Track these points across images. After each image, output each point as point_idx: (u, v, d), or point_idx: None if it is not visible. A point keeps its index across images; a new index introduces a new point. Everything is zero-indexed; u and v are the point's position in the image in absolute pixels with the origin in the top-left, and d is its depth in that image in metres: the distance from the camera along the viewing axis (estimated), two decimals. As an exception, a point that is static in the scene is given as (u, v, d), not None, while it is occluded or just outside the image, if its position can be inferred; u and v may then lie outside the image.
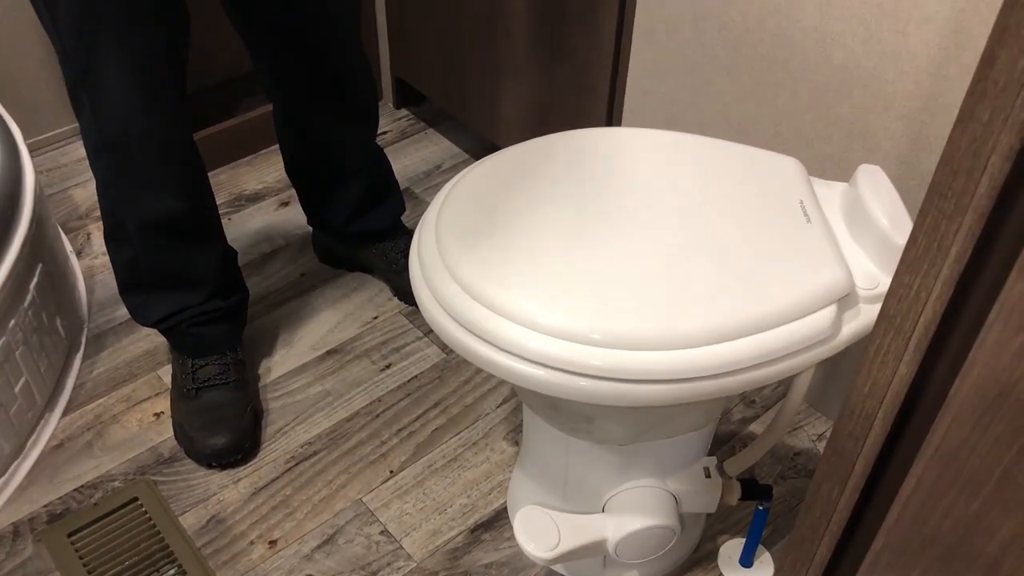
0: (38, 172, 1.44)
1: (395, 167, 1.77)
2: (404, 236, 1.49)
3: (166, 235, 1.19)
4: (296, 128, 1.36)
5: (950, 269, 0.53)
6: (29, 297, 1.25)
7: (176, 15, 1.08)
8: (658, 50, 1.26)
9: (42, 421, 1.29)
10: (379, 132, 1.86)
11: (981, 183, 0.50)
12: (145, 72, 1.06)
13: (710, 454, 1.09)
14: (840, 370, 1.29)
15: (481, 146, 1.81)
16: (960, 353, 0.54)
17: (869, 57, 1.03)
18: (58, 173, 1.72)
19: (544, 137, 1.01)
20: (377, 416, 1.33)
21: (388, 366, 1.41)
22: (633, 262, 0.86)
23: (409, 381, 1.38)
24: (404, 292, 1.48)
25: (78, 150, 1.76)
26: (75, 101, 1.08)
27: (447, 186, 0.96)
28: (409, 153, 1.82)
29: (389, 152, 1.81)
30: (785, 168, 0.97)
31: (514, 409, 1.35)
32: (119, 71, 1.04)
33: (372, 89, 1.33)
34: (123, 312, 1.43)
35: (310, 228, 1.57)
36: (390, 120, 1.90)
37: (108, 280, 1.51)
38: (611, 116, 1.38)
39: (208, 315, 1.27)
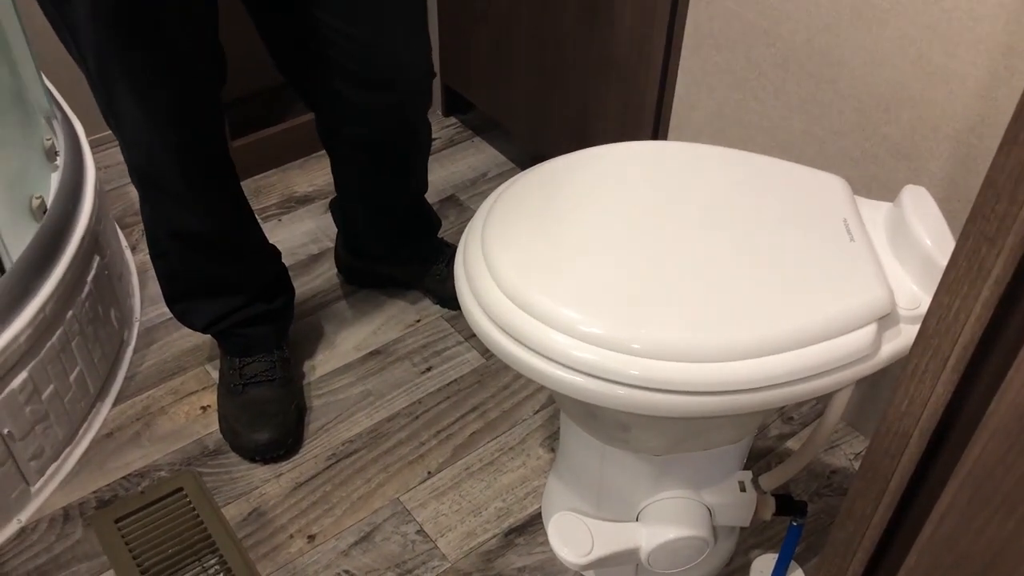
0: (99, 168, 1.49)
1: (442, 174, 1.81)
2: (445, 248, 1.51)
3: (200, 251, 1.22)
4: (344, 180, 1.39)
5: (990, 291, 0.54)
6: (86, 289, 1.29)
7: (201, 57, 1.06)
8: (706, 65, 1.27)
9: (94, 410, 1.34)
10: (427, 139, 1.90)
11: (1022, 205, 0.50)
12: (167, 115, 1.06)
13: (746, 468, 1.09)
14: (879, 390, 1.28)
15: (527, 155, 1.83)
16: (998, 375, 0.55)
17: (918, 78, 1.03)
18: (117, 170, 1.78)
19: (590, 149, 1.03)
20: (417, 417, 1.36)
21: (429, 369, 1.43)
22: (675, 274, 0.87)
23: (449, 384, 1.41)
24: (446, 299, 1.50)
25: (136, 148, 1.81)
26: (108, 125, 1.10)
27: (493, 194, 0.98)
28: (456, 160, 1.85)
29: (436, 159, 1.84)
30: (830, 186, 0.97)
31: (551, 416, 1.36)
32: (139, 109, 1.04)
33: (428, 146, 1.35)
34: (174, 307, 1.48)
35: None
36: (439, 128, 1.93)
37: (161, 275, 1.56)
38: (657, 129, 1.40)
39: (253, 318, 1.30)
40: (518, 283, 0.86)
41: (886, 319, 0.86)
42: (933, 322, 0.59)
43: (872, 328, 0.84)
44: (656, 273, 0.87)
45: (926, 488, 0.64)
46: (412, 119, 1.27)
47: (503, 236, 0.91)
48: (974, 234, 0.54)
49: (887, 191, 1.13)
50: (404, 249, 1.47)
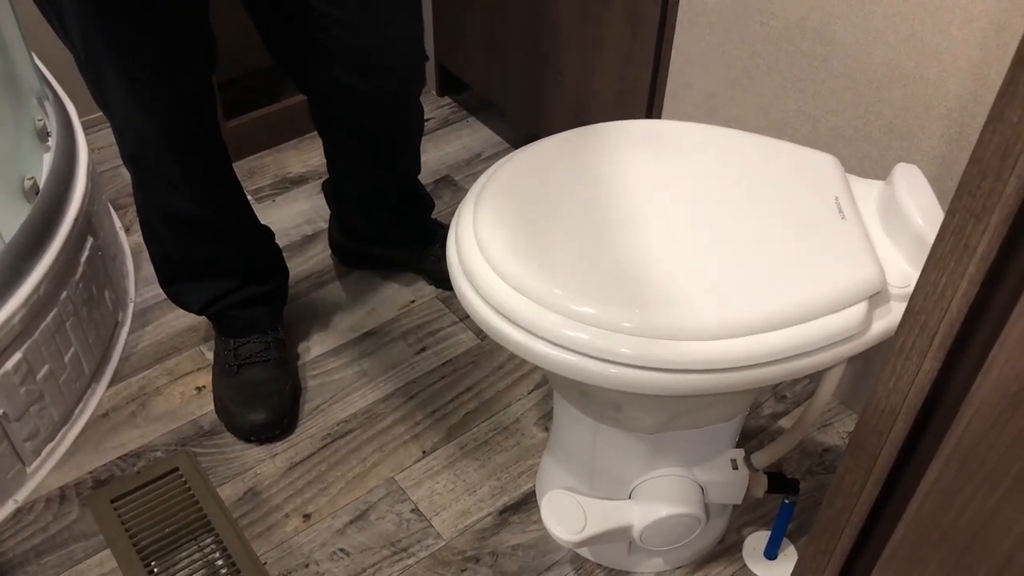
0: (91, 150, 1.48)
1: (436, 154, 1.80)
2: (439, 230, 1.51)
3: (193, 233, 1.22)
4: (337, 163, 1.39)
5: (976, 268, 0.54)
6: (80, 270, 1.29)
7: (190, 40, 1.05)
8: (699, 44, 1.26)
9: (89, 391, 1.34)
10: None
11: (1009, 183, 0.50)
12: (157, 99, 1.05)
13: (738, 446, 1.10)
14: (871, 367, 1.29)
15: (521, 135, 1.82)
16: (983, 351, 0.55)
17: (911, 56, 1.03)
18: (110, 151, 1.77)
19: (583, 128, 1.03)
20: (411, 398, 1.36)
21: (423, 349, 1.43)
22: (667, 253, 0.87)
23: (443, 364, 1.41)
24: (441, 280, 1.50)
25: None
26: (99, 108, 1.09)
27: (485, 174, 0.98)
28: (451, 141, 1.85)
29: (431, 139, 1.84)
30: (822, 165, 0.97)
31: (545, 396, 1.37)
32: (129, 93, 1.03)
33: (420, 130, 1.35)
34: (169, 288, 1.48)
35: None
36: (433, 108, 1.92)
37: (155, 257, 1.56)
38: (651, 108, 1.39)
39: (247, 299, 1.30)
40: (510, 263, 0.86)
41: (877, 297, 0.86)
42: (920, 299, 0.59)
43: (863, 306, 0.85)
44: (647, 252, 0.87)
45: (913, 464, 0.65)
46: (405, 103, 1.27)
47: (495, 216, 0.91)
48: (960, 211, 0.54)
49: (880, 169, 1.13)
50: (398, 231, 1.47)
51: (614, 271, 0.85)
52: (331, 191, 1.48)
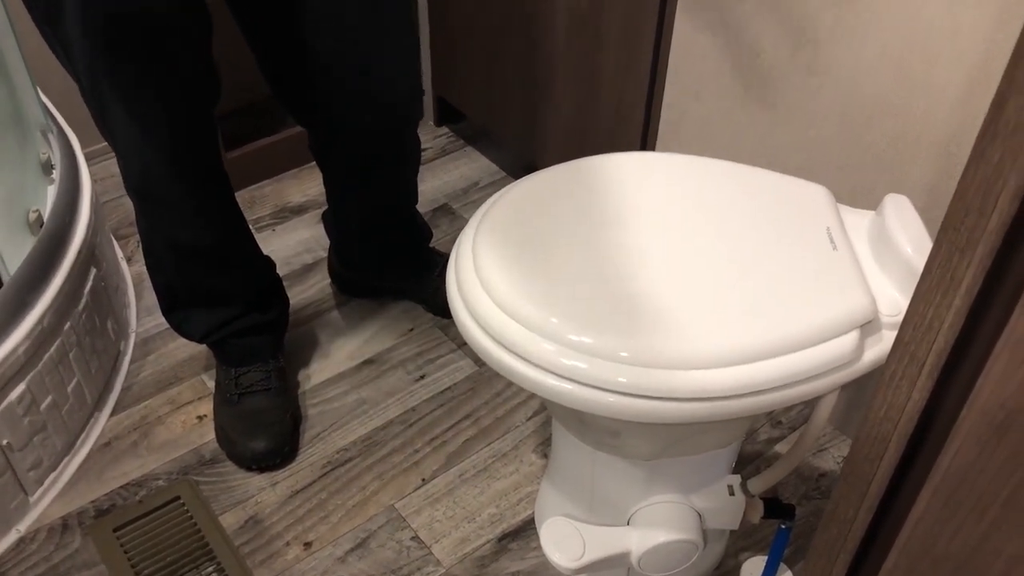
0: (94, 181, 1.51)
1: (434, 183, 1.83)
2: (437, 258, 1.53)
3: (195, 261, 1.24)
4: (336, 194, 1.41)
5: (961, 300, 0.56)
6: (83, 301, 1.31)
7: (194, 74, 1.07)
8: (693, 75, 1.29)
9: (91, 420, 1.35)
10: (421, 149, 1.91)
11: (991, 220, 0.52)
12: (161, 132, 1.07)
13: (735, 472, 1.11)
14: (865, 393, 1.30)
15: (518, 164, 1.85)
16: (970, 381, 0.57)
17: (900, 89, 1.06)
18: (112, 181, 1.79)
19: (579, 160, 1.05)
20: (411, 425, 1.37)
21: (422, 377, 1.45)
22: (662, 283, 0.89)
23: (442, 392, 1.42)
24: (439, 308, 1.52)
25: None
26: (104, 139, 1.11)
27: (485, 205, 1.00)
28: (448, 170, 1.87)
29: (429, 168, 1.86)
30: (813, 195, 1.00)
31: (544, 422, 1.38)
32: (134, 126, 1.05)
33: (418, 150, 1.35)
34: (170, 317, 1.49)
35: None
36: (431, 137, 1.95)
37: (156, 286, 1.57)
38: (646, 138, 1.42)
39: (248, 328, 1.32)
40: (508, 293, 0.88)
41: (868, 326, 0.88)
42: (909, 330, 0.61)
43: (855, 334, 0.86)
44: (643, 282, 0.89)
45: (905, 492, 0.66)
46: (403, 137, 1.29)
47: (494, 246, 0.93)
48: (945, 245, 0.56)
49: (872, 199, 1.15)
50: (396, 260, 1.49)
51: (610, 301, 0.87)
52: (330, 221, 1.50)
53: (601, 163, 1.04)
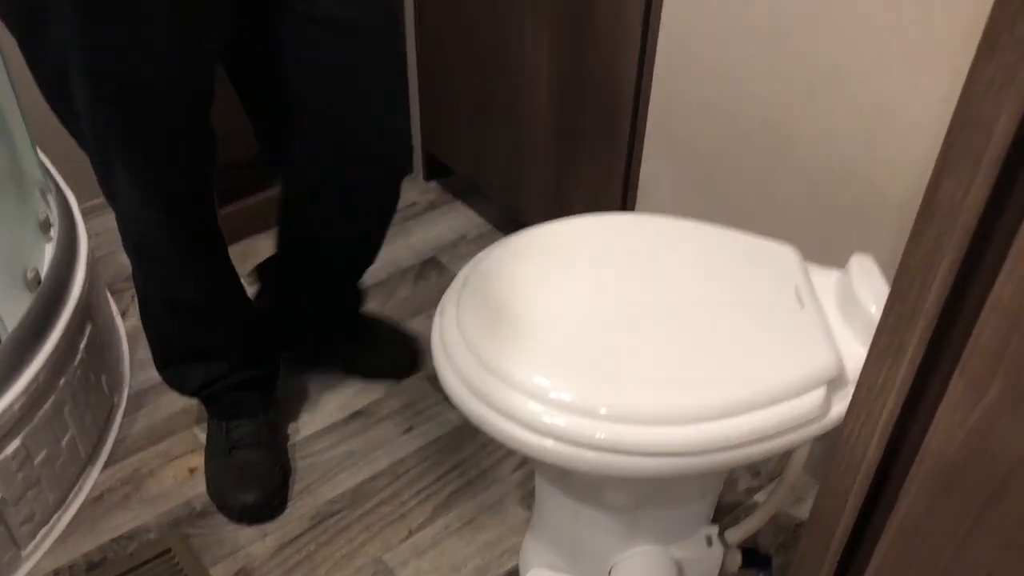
0: (90, 236, 1.55)
1: (423, 236, 1.87)
2: (369, 323, 1.57)
3: (189, 316, 1.27)
4: (301, 247, 1.42)
5: (908, 366, 0.60)
6: (79, 357, 1.34)
7: (196, 140, 1.11)
8: (670, 138, 1.34)
9: (84, 473, 1.37)
10: (410, 203, 1.96)
11: (932, 292, 0.57)
12: (163, 192, 1.11)
13: (714, 522, 1.14)
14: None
15: (505, 219, 1.90)
16: (919, 440, 0.61)
17: (866, 154, 1.11)
18: (108, 236, 1.83)
19: (558, 221, 1.09)
20: (398, 477, 1.40)
21: (410, 428, 1.47)
22: (639, 342, 0.93)
23: (429, 444, 1.45)
24: (369, 371, 1.55)
25: (126, 215, 1.87)
26: (105, 198, 1.16)
27: (470, 264, 1.04)
28: (437, 223, 1.92)
29: (418, 222, 1.91)
30: (782, 256, 1.04)
31: (528, 475, 1.41)
32: (136, 187, 1.10)
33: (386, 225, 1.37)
34: (163, 371, 1.52)
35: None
36: (420, 192, 2.00)
37: (150, 340, 1.60)
38: (626, 197, 1.47)
39: (240, 383, 1.35)
40: (490, 350, 0.92)
41: (834, 382, 0.92)
42: (863, 392, 0.65)
43: (821, 391, 0.90)
44: (621, 341, 0.93)
45: (865, 543, 0.70)
46: (388, 193, 1.31)
47: (477, 306, 0.97)
48: (893, 314, 0.60)
49: (841, 257, 1.20)
50: (332, 321, 1.52)
51: (589, 360, 0.91)
52: (271, 273, 1.51)
53: (579, 225, 1.09)
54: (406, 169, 1.30)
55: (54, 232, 1.40)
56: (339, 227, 1.34)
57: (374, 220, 1.36)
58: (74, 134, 1.09)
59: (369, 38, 1.12)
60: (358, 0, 1.09)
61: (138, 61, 0.99)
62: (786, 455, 1.42)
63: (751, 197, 1.27)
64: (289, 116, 1.18)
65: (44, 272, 1.33)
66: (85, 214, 1.86)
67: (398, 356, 1.56)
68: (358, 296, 1.54)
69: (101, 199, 1.87)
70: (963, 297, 0.55)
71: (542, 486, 1.12)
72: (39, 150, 1.47)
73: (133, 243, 1.19)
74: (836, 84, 1.10)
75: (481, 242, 1.86)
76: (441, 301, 1.02)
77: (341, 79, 1.14)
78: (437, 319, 1.00)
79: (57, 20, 0.94)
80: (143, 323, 1.31)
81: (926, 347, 0.58)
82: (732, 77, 1.21)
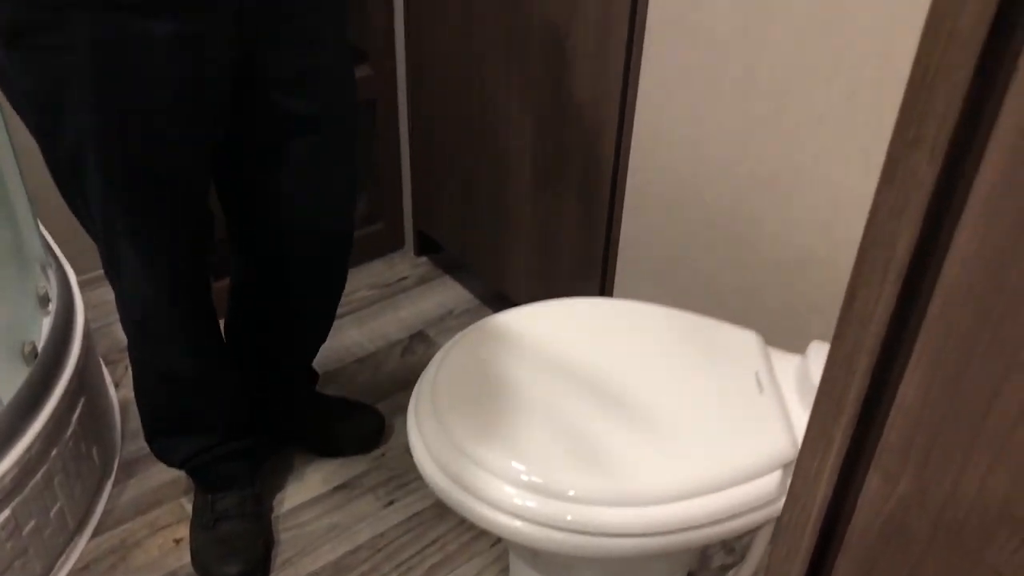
0: (87, 307, 1.60)
1: (412, 311, 1.92)
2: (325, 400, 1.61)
3: (181, 389, 1.32)
4: (246, 325, 1.47)
5: (836, 457, 0.64)
6: (71, 428, 1.38)
7: (196, 220, 1.18)
8: (645, 224, 1.40)
9: (72, 543, 1.40)
10: (400, 278, 2.02)
11: (851, 390, 0.61)
12: (165, 270, 1.17)
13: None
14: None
15: (491, 293, 1.95)
16: (847, 527, 0.65)
17: (824, 243, 1.17)
18: (104, 308, 1.88)
19: (532, 305, 1.14)
20: (379, 550, 1.43)
21: (392, 502, 1.51)
22: (604, 426, 0.97)
23: (410, 518, 1.48)
24: (322, 448, 1.58)
25: (124, 287, 1.92)
26: (107, 276, 1.21)
27: (447, 345, 1.09)
28: (426, 297, 1.97)
29: (408, 296, 1.96)
30: (745, 341, 1.09)
31: (506, 549, 1.43)
32: (141, 265, 1.15)
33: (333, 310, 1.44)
34: (153, 442, 1.56)
35: (320, 368, 1.70)
36: (411, 266, 2.06)
37: (141, 411, 1.64)
38: (604, 277, 1.52)
39: (226, 455, 1.39)
40: (464, 434, 0.96)
41: (791, 465, 0.96)
42: (799, 482, 0.69)
43: (778, 474, 0.94)
44: (589, 425, 0.97)
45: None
46: (337, 267, 1.39)
47: (452, 388, 1.02)
48: (821, 409, 0.65)
49: (804, 340, 1.25)
50: (287, 397, 1.56)
51: (559, 444, 0.95)
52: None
53: (552, 309, 1.14)
54: (349, 249, 1.38)
55: (52, 306, 1.45)
56: (290, 307, 1.41)
57: (322, 300, 1.42)
58: (81, 218, 1.15)
59: (330, 134, 1.20)
60: (322, 98, 1.17)
61: (149, 149, 1.06)
62: (754, 532, 1.45)
63: (720, 282, 1.33)
64: (251, 198, 1.27)
65: (41, 346, 1.38)
66: (82, 286, 1.92)
67: (359, 430, 1.59)
68: (310, 376, 1.58)
69: (99, 272, 1.94)
70: (879, 396, 0.60)
71: (516, 564, 1.15)
72: (40, 223, 1.53)
73: (134, 320, 1.25)
74: (796, 179, 1.16)
75: (468, 316, 1.92)
76: (418, 382, 1.06)
77: (302, 168, 1.22)
78: (413, 400, 1.04)
79: (74, 112, 1.01)
80: (136, 395, 1.36)
81: (850, 441, 0.63)
82: (701, 170, 1.28)
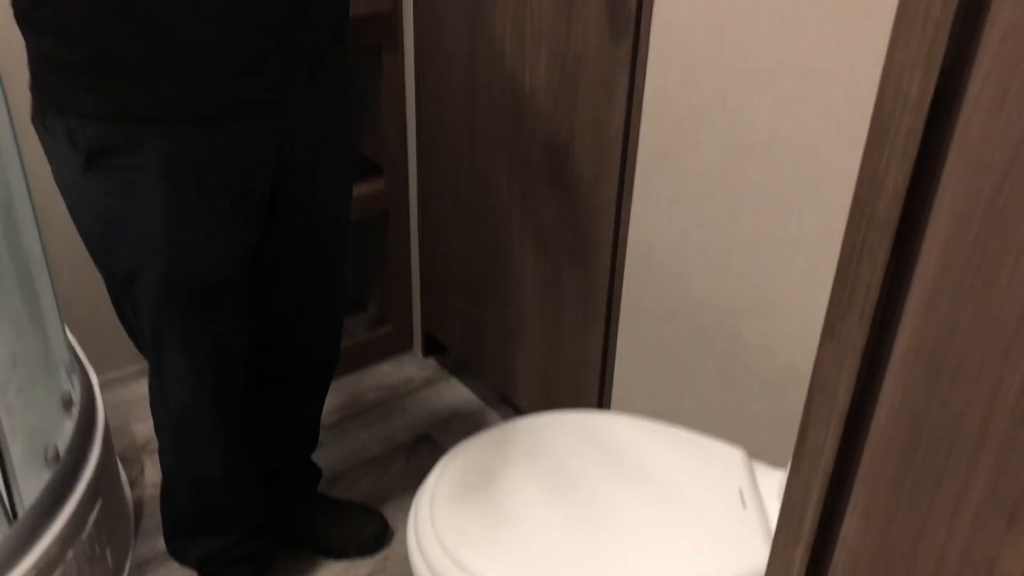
0: (106, 407, 1.67)
1: (418, 412, 1.98)
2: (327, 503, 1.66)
3: (208, 491, 1.38)
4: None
5: (800, 560, 0.70)
6: (88, 530, 1.43)
7: (238, 324, 1.26)
8: (639, 338, 1.47)
9: (82, 644, 1.44)
10: (407, 379, 2.09)
11: (806, 522, 0.67)
12: (210, 376, 1.25)
13: None
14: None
15: (495, 396, 2.01)
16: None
17: (809, 359, 1.23)
18: (122, 408, 1.95)
19: (530, 419, 1.21)
20: (381, 654, 1.46)
21: (395, 605, 1.54)
22: (594, 539, 1.02)
23: (413, 621, 1.51)
24: (329, 550, 1.62)
25: (143, 387, 1.99)
26: (150, 382, 1.29)
27: (446, 457, 1.15)
28: (433, 400, 2.03)
29: (415, 398, 2.03)
30: (730, 457, 1.15)
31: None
32: (188, 372, 1.23)
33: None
34: (164, 542, 1.60)
35: (327, 470, 1.76)
36: (418, 368, 2.13)
37: (155, 512, 1.69)
38: (603, 384, 1.59)
39: (239, 556, 1.44)
40: (461, 548, 1.01)
41: (771, 580, 1.00)
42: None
43: (758, 588, 0.99)
44: (578, 540, 1.02)
45: None
46: (324, 384, 1.50)
47: (450, 502, 1.07)
48: (783, 534, 0.70)
49: (789, 454, 1.30)
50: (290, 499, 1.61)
51: (550, 559, 1.00)
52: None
53: (547, 423, 1.20)
54: (335, 362, 1.49)
55: (75, 410, 1.52)
56: (293, 413, 1.50)
57: (310, 403, 1.52)
58: (129, 327, 1.24)
59: (328, 246, 1.32)
60: (329, 213, 1.28)
61: (205, 259, 1.14)
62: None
63: (711, 394, 1.39)
64: (270, 330, 1.38)
65: (63, 449, 1.45)
66: (103, 385, 2.00)
67: (362, 533, 1.63)
68: (313, 474, 1.63)
69: (120, 372, 2.02)
70: (829, 529, 0.66)
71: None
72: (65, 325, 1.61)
73: (171, 426, 1.31)
74: (778, 299, 1.23)
75: (473, 419, 1.97)
76: (418, 491, 1.12)
77: (311, 298, 1.34)
78: (413, 508, 1.10)
79: (138, 226, 1.09)
80: (162, 498, 1.42)
81: (807, 567, 0.68)
82: (689, 288, 1.35)
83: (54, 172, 1.10)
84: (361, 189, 1.89)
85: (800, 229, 1.16)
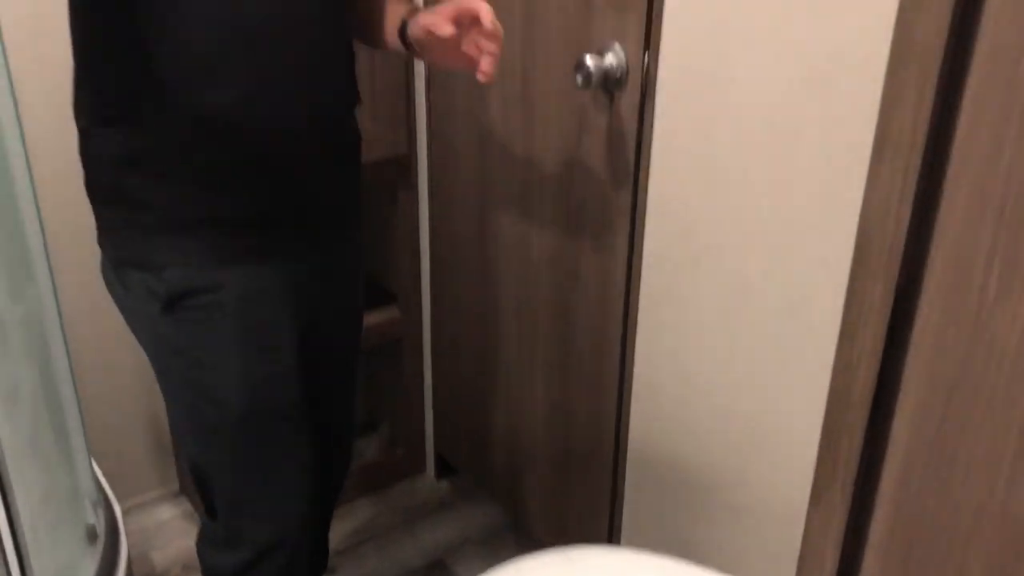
0: (127, 535, 1.69)
1: (431, 537, 2.01)
2: None
3: None
4: None
5: None
6: (106, 666, 1.45)
7: (315, 452, 1.28)
8: (645, 477, 1.52)
9: None
10: (419, 503, 2.11)
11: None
12: (297, 498, 1.29)
13: None
14: None
15: (505, 523, 2.03)
16: None
17: (805, 503, 1.27)
18: (142, 535, 1.98)
19: (534, 558, 1.24)
20: None
21: None
22: None
23: None
24: None
25: (163, 512, 2.03)
26: (230, 529, 1.32)
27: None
28: (445, 523, 2.05)
29: (427, 521, 2.05)
30: (736, 594, 1.18)
31: None
32: (273, 499, 1.27)
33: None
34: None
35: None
36: (430, 491, 2.15)
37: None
38: (612, 517, 1.62)
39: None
40: None
41: None
42: None
43: None
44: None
45: None
46: (340, 479, 1.52)
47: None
48: None
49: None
50: None
51: None
52: None
53: (549, 563, 1.24)
54: (351, 457, 1.52)
55: (99, 543, 1.56)
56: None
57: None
58: (204, 477, 1.29)
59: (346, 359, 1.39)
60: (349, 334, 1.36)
61: (282, 386, 1.20)
62: None
63: (715, 532, 1.42)
64: None
65: (87, 583, 1.48)
66: (123, 512, 2.03)
67: None
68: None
69: (140, 499, 2.06)
70: None
71: None
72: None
73: (244, 561, 1.32)
74: (777, 439, 1.28)
75: (486, 545, 1.99)
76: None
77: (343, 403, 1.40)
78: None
79: (218, 361, 1.14)
80: None
81: None
82: (692, 427, 1.41)
83: (127, 318, 1.17)
84: (376, 317, 1.96)
85: (800, 369, 1.22)
